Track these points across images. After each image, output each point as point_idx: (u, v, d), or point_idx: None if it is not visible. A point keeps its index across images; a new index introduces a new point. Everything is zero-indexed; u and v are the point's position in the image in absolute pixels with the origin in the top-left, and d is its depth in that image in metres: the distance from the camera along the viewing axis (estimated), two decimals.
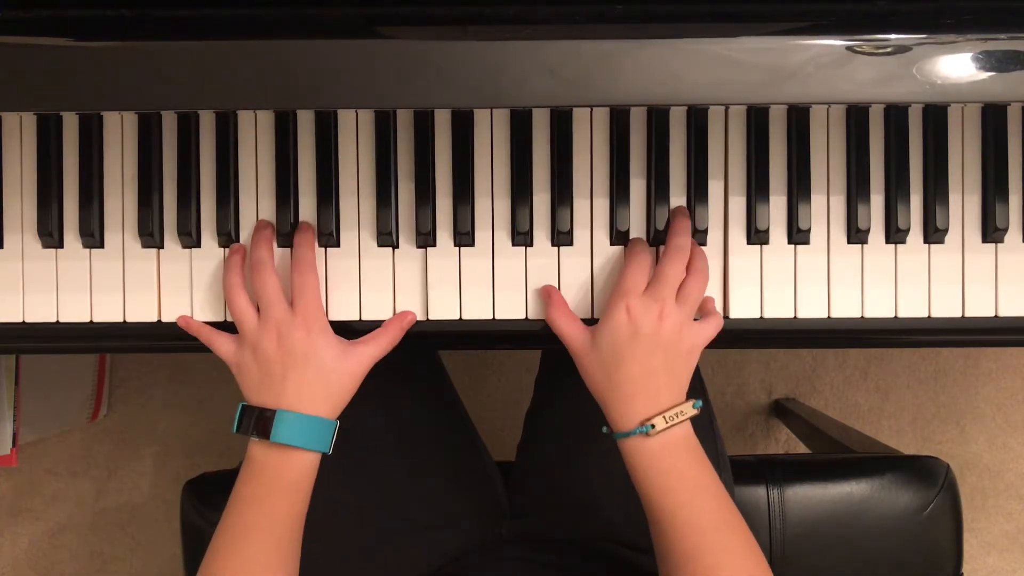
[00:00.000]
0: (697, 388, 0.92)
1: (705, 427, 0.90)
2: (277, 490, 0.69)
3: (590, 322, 0.73)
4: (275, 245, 0.75)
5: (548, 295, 0.74)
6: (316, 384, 0.70)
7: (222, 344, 0.73)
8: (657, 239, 0.76)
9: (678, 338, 0.68)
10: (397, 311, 0.76)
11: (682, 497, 0.67)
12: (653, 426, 0.67)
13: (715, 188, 0.76)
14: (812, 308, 0.76)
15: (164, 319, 0.76)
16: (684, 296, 0.69)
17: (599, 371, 0.69)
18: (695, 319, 0.72)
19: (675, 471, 0.68)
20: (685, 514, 0.67)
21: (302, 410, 0.69)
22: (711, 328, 0.71)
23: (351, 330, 0.75)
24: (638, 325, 0.67)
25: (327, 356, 0.70)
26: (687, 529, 0.67)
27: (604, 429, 0.71)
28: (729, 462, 0.91)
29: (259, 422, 0.69)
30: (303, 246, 0.73)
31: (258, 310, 0.72)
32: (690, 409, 0.68)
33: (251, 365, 0.71)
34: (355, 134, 0.76)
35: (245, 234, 0.76)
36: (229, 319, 0.76)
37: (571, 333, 0.71)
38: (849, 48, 0.64)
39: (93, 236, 0.76)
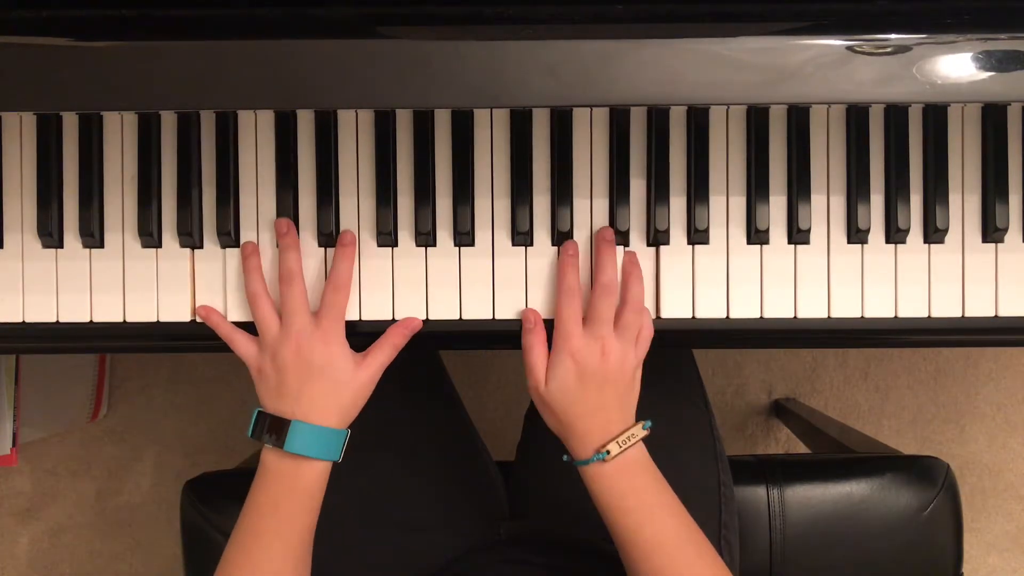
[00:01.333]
0: (696, 389, 0.92)
1: (705, 428, 0.90)
2: (290, 497, 0.71)
3: None
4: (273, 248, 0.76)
5: (530, 320, 0.74)
6: (330, 396, 0.71)
7: (243, 345, 0.74)
8: (657, 240, 0.76)
9: (622, 369, 0.71)
10: (397, 311, 0.76)
11: (642, 517, 0.70)
12: (608, 452, 0.70)
13: (715, 188, 0.76)
14: (812, 308, 0.76)
15: (164, 319, 0.76)
16: (621, 328, 0.72)
17: (556, 411, 0.72)
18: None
19: (632, 491, 0.71)
20: (647, 533, 0.70)
21: (316, 421, 0.71)
22: (645, 343, 0.73)
23: (351, 331, 0.75)
24: (583, 367, 0.70)
25: (342, 370, 0.71)
26: (650, 548, 0.70)
27: (564, 457, 0.74)
28: (729, 462, 0.91)
29: (274, 430, 0.70)
30: (344, 260, 0.74)
31: (280, 317, 0.73)
32: (640, 431, 0.72)
33: (270, 372, 0.72)
34: (355, 134, 0.76)
35: (245, 235, 0.76)
36: (232, 319, 0.76)
37: (536, 370, 0.73)
38: (849, 48, 0.64)
39: (93, 236, 0.76)
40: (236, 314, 0.76)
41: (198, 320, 0.76)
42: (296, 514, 0.71)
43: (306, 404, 0.71)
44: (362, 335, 0.76)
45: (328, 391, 0.71)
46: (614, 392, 0.71)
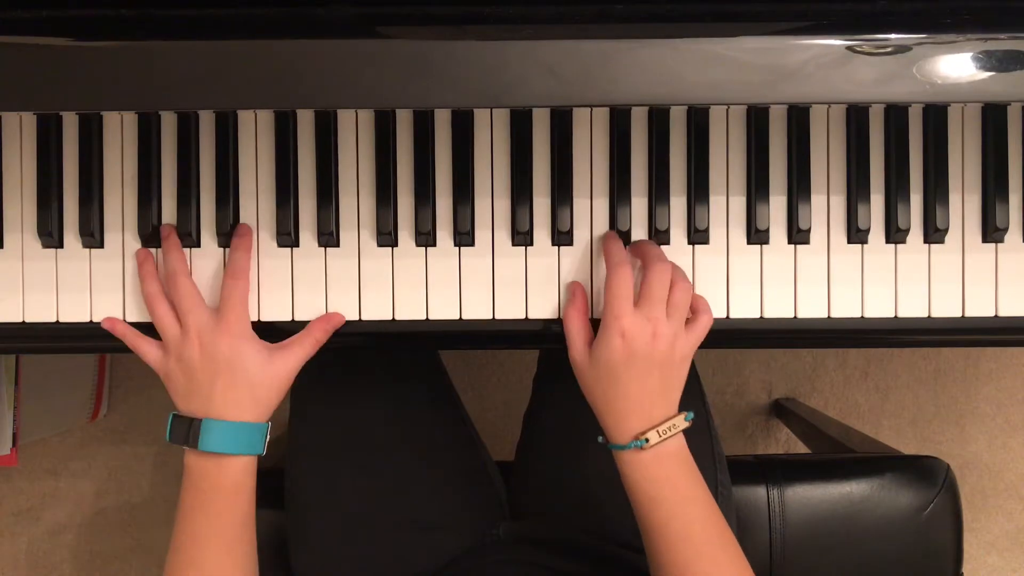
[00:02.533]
0: (694, 389, 0.92)
1: (702, 427, 0.90)
2: (217, 496, 0.70)
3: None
4: (274, 247, 0.75)
5: (574, 293, 0.74)
6: (242, 390, 0.70)
7: (148, 350, 0.73)
8: (658, 239, 0.76)
9: (671, 354, 0.69)
10: (397, 311, 0.76)
11: (674, 508, 0.69)
12: (647, 440, 0.68)
13: (715, 188, 0.76)
14: (812, 308, 0.76)
15: None
16: (672, 308, 0.69)
17: (596, 387, 0.70)
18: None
19: (667, 482, 0.69)
20: (677, 525, 0.69)
21: (229, 417, 0.70)
22: (701, 330, 0.72)
23: (352, 331, 0.75)
24: (633, 347, 0.68)
25: (252, 362, 0.70)
26: (678, 540, 0.69)
27: (600, 439, 0.72)
28: (727, 462, 0.91)
29: (188, 432, 0.70)
30: (239, 250, 0.73)
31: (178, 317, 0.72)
32: (682, 422, 0.70)
33: (177, 374, 0.71)
34: (355, 134, 0.76)
35: None
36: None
37: (577, 341, 0.72)
38: (849, 48, 0.64)
39: (93, 236, 0.76)
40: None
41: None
42: (227, 511, 0.70)
43: (219, 401, 0.70)
44: (362, 335, 0.76)
45: (239, 384, 0.70)
46: (660, 377, 0.69)
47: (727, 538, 0.70)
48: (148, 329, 0.75)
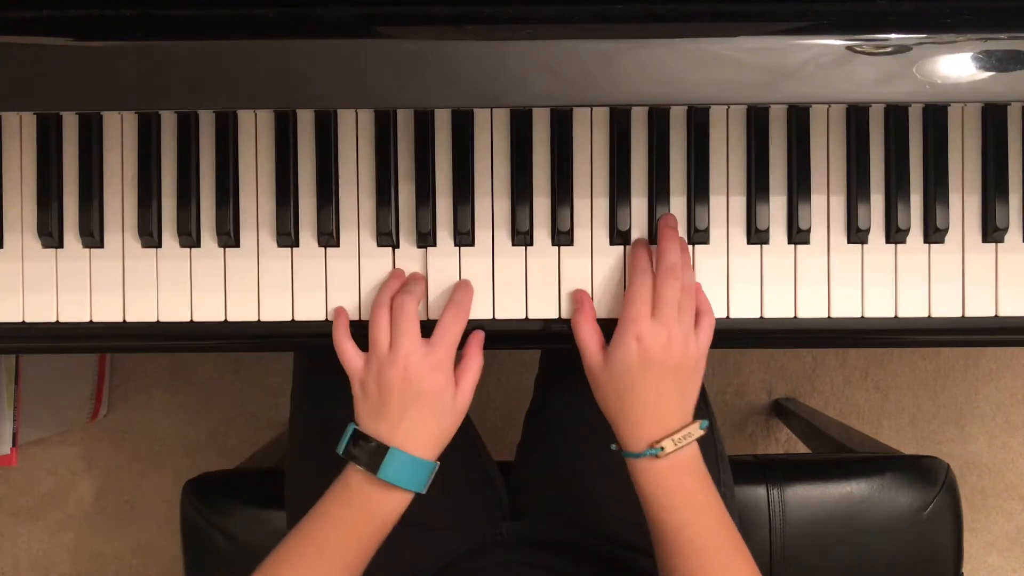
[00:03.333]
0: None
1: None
2: (368, 521, 0.70)
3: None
4: (273, 247, 0.75)
5: (579, 301, 0.74)
6: (432, 425, 0.70)
7: (352, 355, 0.72)
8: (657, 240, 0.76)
9: (685, 358, 0.70)
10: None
11: (687, 516, 0.69)
12: (663, 448, 0.68)
13: (715, 188, 0.76)
14: (812, 308, 0.76)
15: (164, 319, 0.76)
16: (682, 311, 0.70)
17: (611, 392, 0.70)
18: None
19: (681, 491, 0.69)
20: (690, 533, 0.69)
21: (413, 451, 0.69)
22: (707, 330, 0.72)
23: (352, 331, 0.75)
24: (648, 353, 0.68)
25: (446, 399, 0.70)
26: (691, 548, 0.69)
27: (613, 446, 0.72)
28: (729, 462, 0.91)
29: (370, 453, 0.69)
30: (465, 290, 0.74)
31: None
32: (697, 431, 0.70)
33: (373, 388, 0.70)
34: (355, 134, 0.76)
35: (245, 235, 0.76)
36: (227, 318, 0.75)
37: (590, 347, 0.72)
38: (849, 48, 0.64)
39: (93, 236, 0.76)
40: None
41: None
42: (365, 536, 0.70)
43: (405, 431, 0.69)
44: (362, 335, 0.76)
45: (430, 420, 0.70)
46: (675, 383, 0.69)
47: (738, 544, 0.70)
48: (147, 327, 0.75)
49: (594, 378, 0.72)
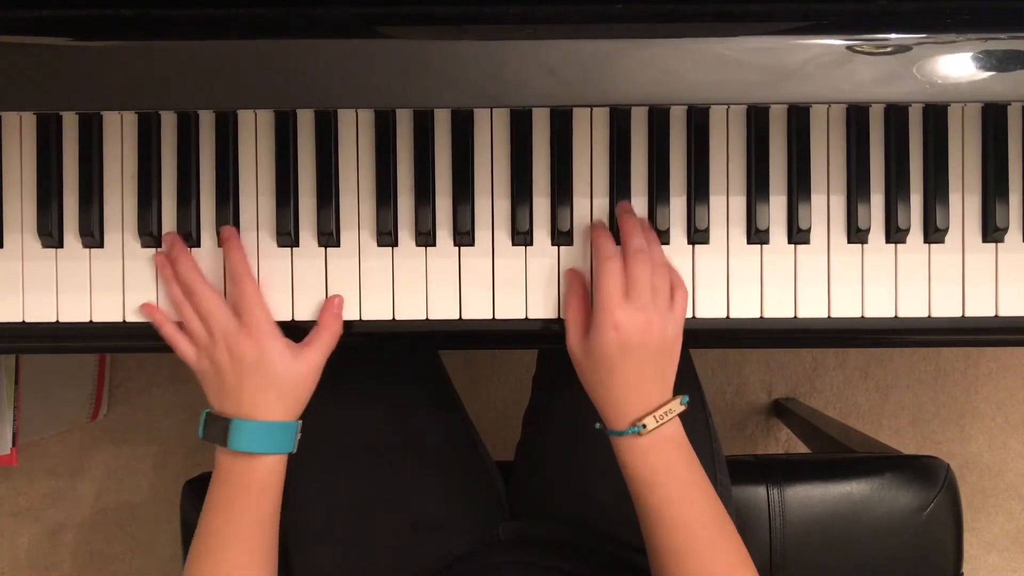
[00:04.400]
0: (692, 388, 0.92)
1: (701, 426, 0.90)
2: (245, 493, 0.71)
3: None
4: (274, 247, 0.76)
5: (572, 281, 0.75)
6: (270, 390, 0.71)
7: (185, 349, 0.74)
8: (659, 239, 0.75)
9: (664, 339, 0.70)
10: (397, 311, 0.76)
11: (671, 492, 0.69)
12: (644, 426, 0.69)
13: (715, 188, 0.76)
14: (812, 308, 0.76)
15: None
16: (655, 292, 0.70)
17: (593, 376, 0.71)
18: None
19: (664, 467, 0.70)
20: (674, 510, 0.69)
21: (258, 417, 0.71)
22: (681, 306, 0.72)
23: (351, 331, 0.75)
24: (627, 339, 0.69)
25: (278, 362, 0.71)
26: (674, 524, 0.69)
27: (597, 425, 0.73)
28: (727, 462, 0.91)
29: (220, 430, 0.71)
30: (231, 253, 0.74)
31: None
32: (678, 406, 0.70)
33: (209, 374, 0.72)
34: (355, 134, 0.76)
35: (245, 234, 0.76)
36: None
37: (573, 330, 0.72)
38: (849, 48, 0.64)
39: (93, 236, 0.76)
40: None
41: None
42: (252, 508, 0.71)
43: (248, 401, 0.71)
44: (361, 335, 0.76)
45: (267, 386, 0.71)
46: (655, 364, 0.70)
47: (724, 523, 0.71)
48: (147, 327, 0.75)
49: (576, 361, 0.72)
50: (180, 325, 0.75)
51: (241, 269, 0.73)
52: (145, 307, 0.76)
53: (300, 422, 0.73)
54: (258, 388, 0.71)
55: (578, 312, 0.73)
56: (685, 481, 0.70)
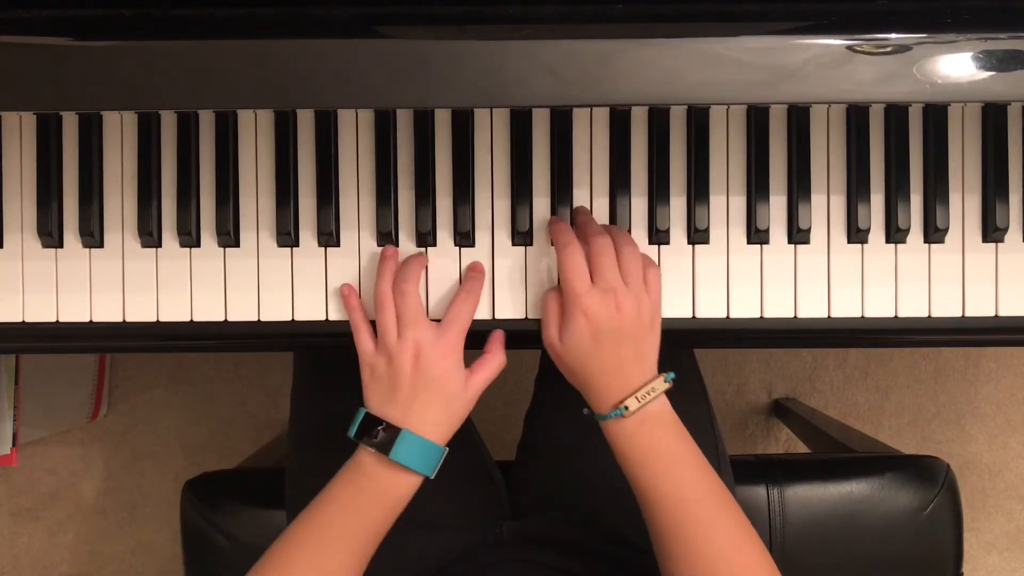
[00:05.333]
0: (697, 388, 0.92)
1: (706, 426, 0.90)
2: (379, 503, 0.71)
3: None
4: (273, 246, 0.75)
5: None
6: (440, 410, 0.71)
7: (365, 339, 0.73)
8: (658, 239, 0.76)
9: (639, 319, 0.70)
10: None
11: (662, 470, 0.69)
12: (627, 407, 0.69)
13: (715, 188, 0.76)
14: (812, 308, 0.76)
15: (164, 319, 0.76)
16: (626, 274, 0.70)
17: (573, 365, 0.71)
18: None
19: (653, 445, 0.69)
20: (666, 487, 0.69)
21: (423, 433, 0.70)
22: (654, 285, 0.72)
23: (350, 331, 0.75)
24: (599, 324, 0.69)
25: (456, 383, 0.71)
26: (669, 502, 0.69)
27: (585, 411, 0.73)
28: (729, 462, 0.91)
29: (382, 435, 0.69)
30: (477, 279, 0.74)
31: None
32: (662, 384, 0.70)
33: (383, 373, 0.71)
34: (355, 134, 0.76)
35: (245, 234, 0.76)
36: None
37: (549, 324, 0.72)
38: (849, 47, 0.63)
39: (93, 236, 0.76)
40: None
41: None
42: (374, 520, 0.70)
43: (416, 415, 0.70)
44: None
45: (439, 405, 0.70)
46: (632, 345, 0.69)
47: (723, 497, 0.70)
48: (147, 327, 0.75)
49: (553, 354, 0.72)
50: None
51: (479, 291, 0.74)
52: (345, 287, 0.75)
53: (447, 449, 0.72)
54: (430, 404, 0.70)
55: (550, 308, 0.72)
56: (676, 458, 0.69)
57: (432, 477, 0.72)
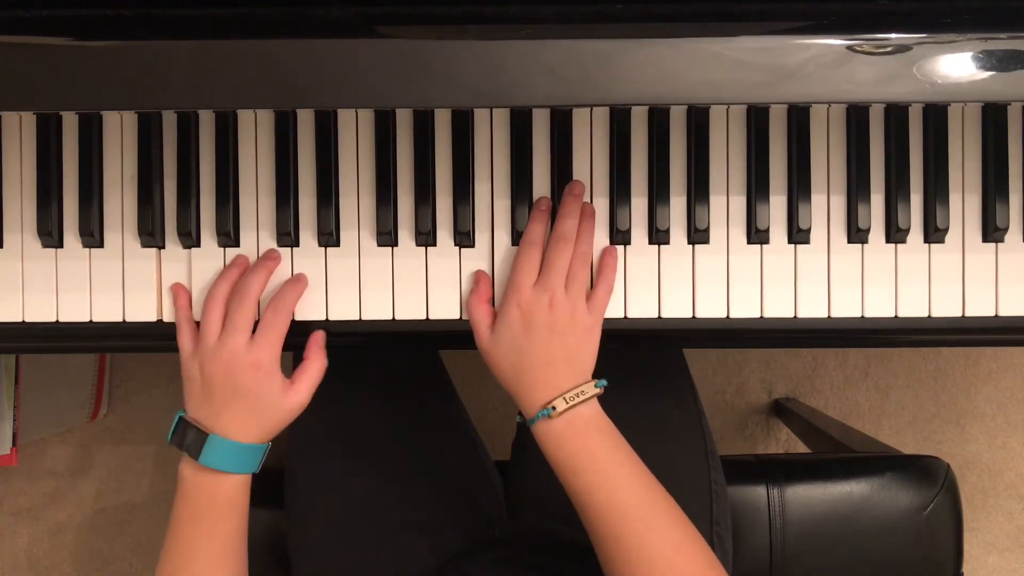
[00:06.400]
0: (685, 385, 0.92)
1: (693, 423, 0.90)
2: (211, 508, 0.71)
3: None
4: (274, 246, 0.75)
5: (476, 280, 0.75)
6: (252, 418, 0.71)
7: (184, 338, 0.73)
8: (658, 239, 0.76)
9: (571, 323, 0.70)
10: (397, 310, 0.76)
11: (596, 477, 0.68)
12: (554, 408, 0.68)
13: (715, 187, 0.76)
14: (812, 308, 0.76)
15: (164, 319, 0.76)
16: (570, 279, 0.71)
17: (503, 362, 0.71)
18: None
19: (584, 451, 0.69)
20: (602, 495, 0.68)
21: (234, 437, 0.70)
22: (599, 299, 0.72)
23: (350, 330, 0.75)
24: (530, 318, 0.69)
25: (269, 397, 0.71)
26: (605, 510, 0.68)
27: (518, 418, 0.73)
28: (727, 461, 0.91)
29: (192, 441, 0.70)
30: (292, 289, 0.74)
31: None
32: (592, 388, 0.70)
33: (197, 378, 0.72)
34: (355, 134, 0.76)
35: (245, 235, 0.76)
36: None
37: (480, 324, 0.72)
38: (849, 47, 0.63)
39: (93, 236, 0.76)
40: None
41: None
42: (218, 523, 0.71)
43: (226, 421, 0.70)
44: (361, 335, 0.76)
45: (251, 412, 0.71)
46: (562, 346, 0.70)
47: (661, 502, 0.69)
48: (147, 327, 0.75)
49: (485, 353, 0.72)
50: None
51: (291, 302, 0.73)
52: (175, 286, 0.75)
53: (269, 445, 0.73)
54: (240, 411, 0.70)
55: (483, 309, 0.73)
56: (609, 463, 0.69)
57: (256, 472, 0.72)
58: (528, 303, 0.70)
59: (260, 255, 0.76)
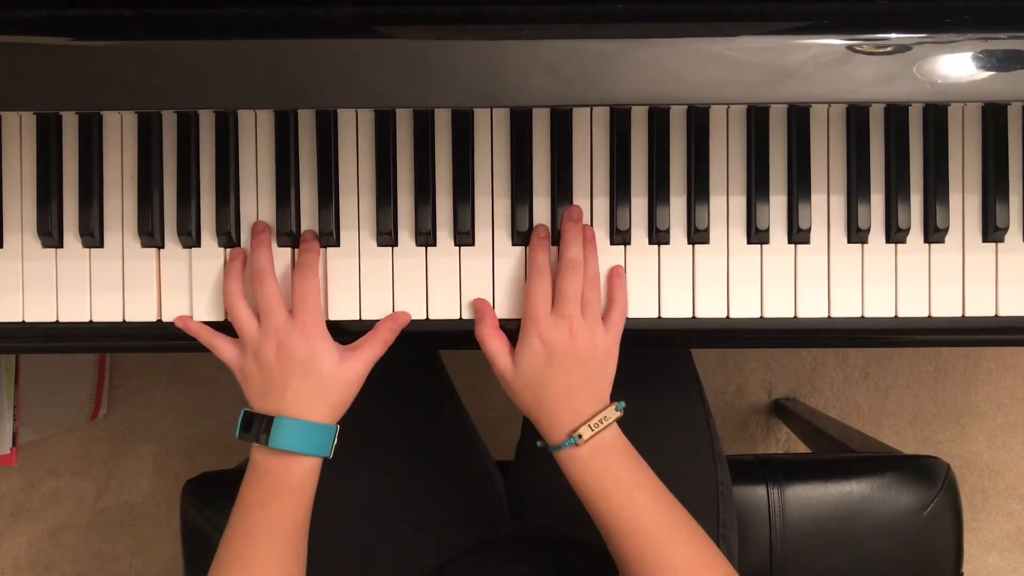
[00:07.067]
0: (693, 387, 0.92)
1: (701, 425, 0.90)
2: (280, 494, 0.71)
3: None
4: (274, 246, 0.76)
5: (480, 311, 0.74)
6: (315, 391, 0.71)
7: (224, 348, 0.74)
8: (658, 239, 0.76)
9: (592, 349, 0.71)
10: (397, 310, 0.76)
11: (620, 499, 0.70)
12: (580, 436, 0.70)
13: (715, 187, 0.76)
14: (812, 308, 0.76)
15: (164, 319, 0.76)
16: (584, 304, 0.71)
17: (525, 392, 0.72)
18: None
19: (608, 474, 0.70)
20: (627, 515, 0.69)
21: (302, 416, 0.70)
22: (615, 320, 0.73)
23: (350, 331, 0.75)
24: (552, 348, 0.70)
25: (325, 364, 0.71)
26: (631, 529, 0.69)
27: (539, 443, 0.73)
28: (729, 462, 0.91)
29: (260, 428, 0.70)
30: (309, 252, 0.74)
31: (258, 317, 0.72)
32: (613, 413, 0.71)
33: (253, 372, 0.72)
34: (355, 134, 0.76)
35: (245, 235, 0.76)
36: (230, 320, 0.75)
37: (499, 355, 0.72)
38: (849, 47, 0.64)
39: (93, 236, 0.76)
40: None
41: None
42: (286, 511, 0.71)
43: (291, 400, 0.70)
44: (361, 334, 0.76)
45: (313, 385, 0.70)
46: (584, 374, 0.70)
47: (682, 520, 0.70)
48: (147, 327, 0.75)
49: (507, 383, 0.73)
50: (215, 324, 0.74)
51: (314, 266, 0.73)
52: (180, 319, 0.75)
53: (338, 427, 0.72)
54: (303, 387, 0.70)
55: (497, 338, 0.73)
56: (633, 484, 0.70)
57: (329, 456, 0.72)
58: (548, 333, 0.70)
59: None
